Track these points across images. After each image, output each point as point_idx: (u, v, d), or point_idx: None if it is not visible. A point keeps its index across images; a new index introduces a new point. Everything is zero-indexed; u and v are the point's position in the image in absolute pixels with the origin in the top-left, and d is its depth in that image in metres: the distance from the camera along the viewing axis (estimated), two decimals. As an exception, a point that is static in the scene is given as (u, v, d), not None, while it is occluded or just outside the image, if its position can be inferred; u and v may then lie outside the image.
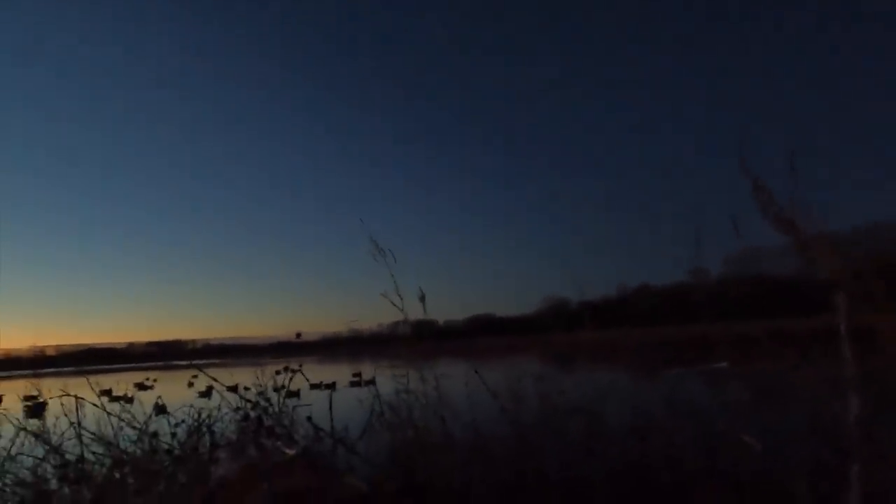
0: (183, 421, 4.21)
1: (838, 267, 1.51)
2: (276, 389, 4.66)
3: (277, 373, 5.17)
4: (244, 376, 5.53)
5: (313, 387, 7.24)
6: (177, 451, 3.73)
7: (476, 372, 3.99)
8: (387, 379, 4.23)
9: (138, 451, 3.79)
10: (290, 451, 3.40)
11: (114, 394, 8.17)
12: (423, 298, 3.78)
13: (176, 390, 11.86)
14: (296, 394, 4.96)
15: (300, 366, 5.13)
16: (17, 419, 4.50)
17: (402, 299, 3.82)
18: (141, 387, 16.04)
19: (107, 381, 8.74)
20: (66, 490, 3.26)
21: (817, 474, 1.94)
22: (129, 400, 6.58)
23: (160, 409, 5.14)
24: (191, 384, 14.35)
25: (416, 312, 3.89)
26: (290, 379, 4.75)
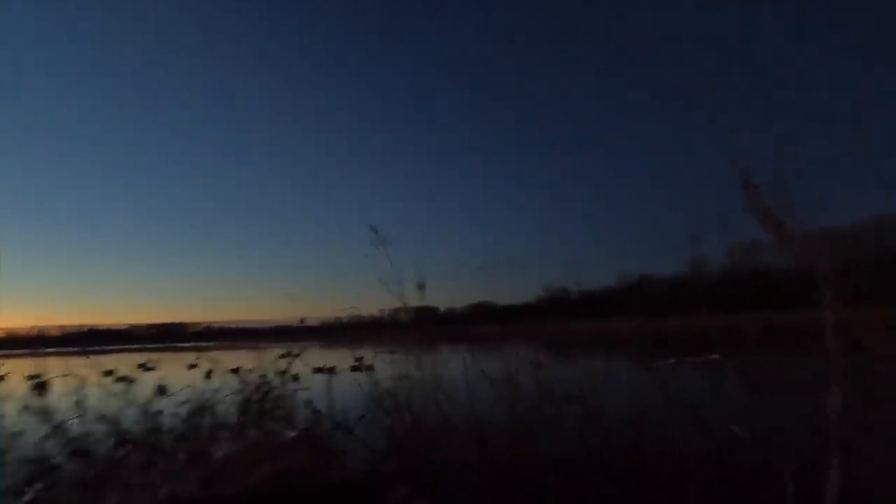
0: (185, 401, 4.29)
1: (823, 263, 1.53)
2: (277, 373, 4.73)
3: (282, 356, 5.23)
4: (246, 360, 5.59)
5: (316, 370, 7.33)
6: (178, 431, 3.81)
7: (473, 358, 4.04)
8: (386, 364, 4.29)
9: (140, 430, 3.87)
10: (290, 434, 3.47)
11: (117, 374, 8.27)
12: (421, 286, 3.82)
13: (178, 372, 11.99)
14: (296, 377, 5.03)
15: (302, 350, 5.19)
16: (21, 398, 4.58)
17: (400, 286, 3.86)
18: (144, 368, 16.22)
19: (110, 361, 8.87)
20: (70, 466, 3.34)
21: (799, 463, 1.98)
22: (132, 381, 6.68)
23: (162, 390, 5.22)
24: (193, 366, 14.49)
25: (415, 299, 3.94)
26: (290, 363, 4.82)
